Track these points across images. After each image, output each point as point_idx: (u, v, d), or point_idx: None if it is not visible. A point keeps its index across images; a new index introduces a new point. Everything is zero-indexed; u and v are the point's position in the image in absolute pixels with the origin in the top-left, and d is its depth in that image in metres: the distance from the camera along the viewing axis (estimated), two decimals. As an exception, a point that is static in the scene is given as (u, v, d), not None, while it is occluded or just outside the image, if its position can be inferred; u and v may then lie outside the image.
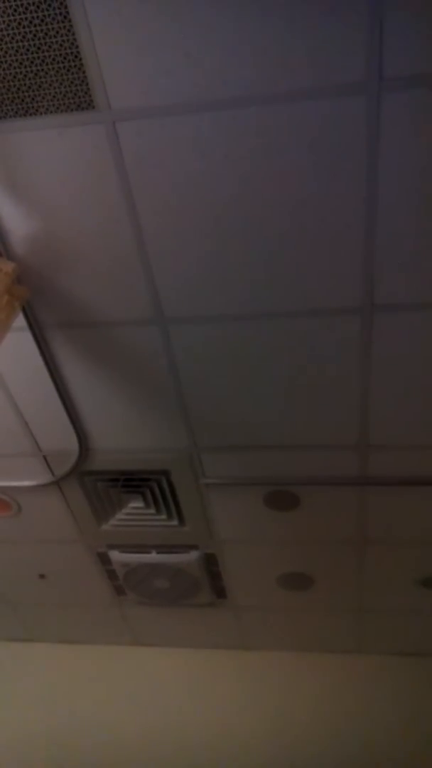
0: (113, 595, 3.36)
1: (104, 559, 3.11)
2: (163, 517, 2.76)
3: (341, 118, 1.44)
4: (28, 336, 2.05)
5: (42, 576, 3.28)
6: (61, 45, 1.38)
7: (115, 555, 3.03)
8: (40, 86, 1.46)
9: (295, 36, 1.33)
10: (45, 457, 2.55)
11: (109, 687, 3.71)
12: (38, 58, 1.41)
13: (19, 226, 1.75)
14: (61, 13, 1.33)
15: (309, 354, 1.98)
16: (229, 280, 1.82)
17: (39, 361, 2.12)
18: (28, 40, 1.38)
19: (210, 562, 3.02)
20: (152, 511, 2.74)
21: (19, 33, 1.37)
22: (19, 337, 2.06)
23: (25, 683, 3.81)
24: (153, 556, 2.99)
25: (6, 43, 1.39)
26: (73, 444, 2.44)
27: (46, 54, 1.40)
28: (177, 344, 2.02)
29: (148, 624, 3.60)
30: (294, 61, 1.36)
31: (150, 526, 2.83)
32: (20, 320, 2.00)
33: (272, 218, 1.65)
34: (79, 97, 1.47)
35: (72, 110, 1.49)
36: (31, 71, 1.43)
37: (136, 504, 2.74)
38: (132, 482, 2.62)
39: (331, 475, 2.42)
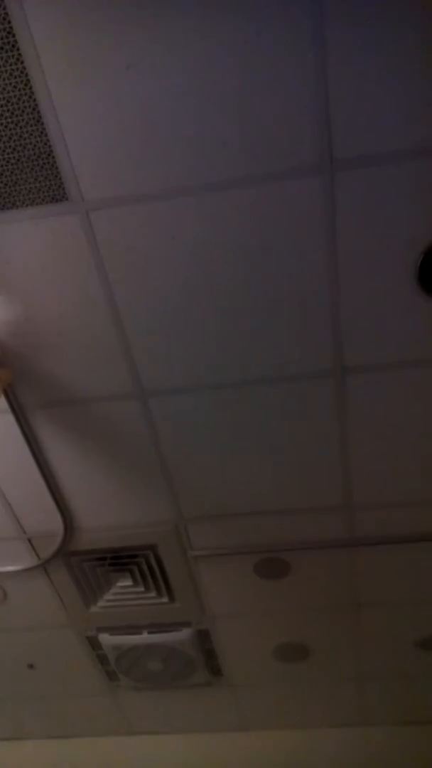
0: (105, 681, 3.24)
1: (94, 644, 3.01)
2: (153, 594, 2.71)
3: (298, 197, 1.55)
4: (10, 418, 2.07)
5: (31, 666, 3.16)
6: (34, 144, 1.49)
7: (106, 638, 2.94)
8: (16, 182, 1.55)
9: (250, 125, 1.45)
10: (30, 540, 2.52)
11: (104, 783, 3.52)
12: (14, 157, 1.51)
13: (-1, 312, 1.82)
14: (33, 117, 1.44)
15: (287, 418, 2.03)
16: (203, 351, 1.88)
17: (21, 442, 2.14)
18: (3, 141, 1.48)
19: (203, 639, 2.95)
20: (141, 588, 2.69)
21: (-5, 136, 1.47)
22: (1, 420, 2.08)
23: (15, 787, 3.60)
24: (144, 637, 2.91)
25: (-17, 145, 1.49)
26: (57, 524, 2.42)
27: (21, 153, 1.50)
28: (157, 416, 2.06)
29: (142, 710, 3.45)
30: (251, 148, 1.48)
31: (139, 605, 2.77)
32: (2, 403, 2.03)
33: (241, 292, 1.74)
34: (53, 191, 1.56)
35: (47, 202, 1.58)
36: (7, 169, 1.53)
37: (124, 582, 2.69)
38: (119, 560, 2.58)
39: (320, 538, 2.42)
